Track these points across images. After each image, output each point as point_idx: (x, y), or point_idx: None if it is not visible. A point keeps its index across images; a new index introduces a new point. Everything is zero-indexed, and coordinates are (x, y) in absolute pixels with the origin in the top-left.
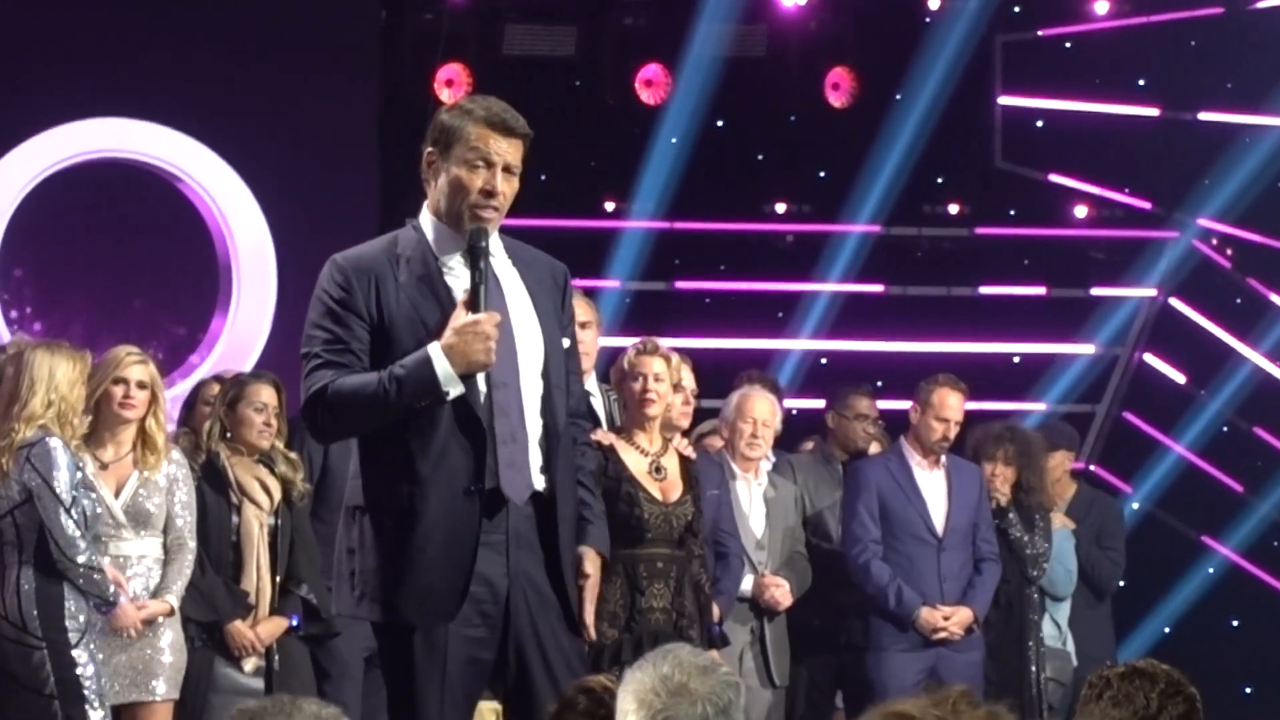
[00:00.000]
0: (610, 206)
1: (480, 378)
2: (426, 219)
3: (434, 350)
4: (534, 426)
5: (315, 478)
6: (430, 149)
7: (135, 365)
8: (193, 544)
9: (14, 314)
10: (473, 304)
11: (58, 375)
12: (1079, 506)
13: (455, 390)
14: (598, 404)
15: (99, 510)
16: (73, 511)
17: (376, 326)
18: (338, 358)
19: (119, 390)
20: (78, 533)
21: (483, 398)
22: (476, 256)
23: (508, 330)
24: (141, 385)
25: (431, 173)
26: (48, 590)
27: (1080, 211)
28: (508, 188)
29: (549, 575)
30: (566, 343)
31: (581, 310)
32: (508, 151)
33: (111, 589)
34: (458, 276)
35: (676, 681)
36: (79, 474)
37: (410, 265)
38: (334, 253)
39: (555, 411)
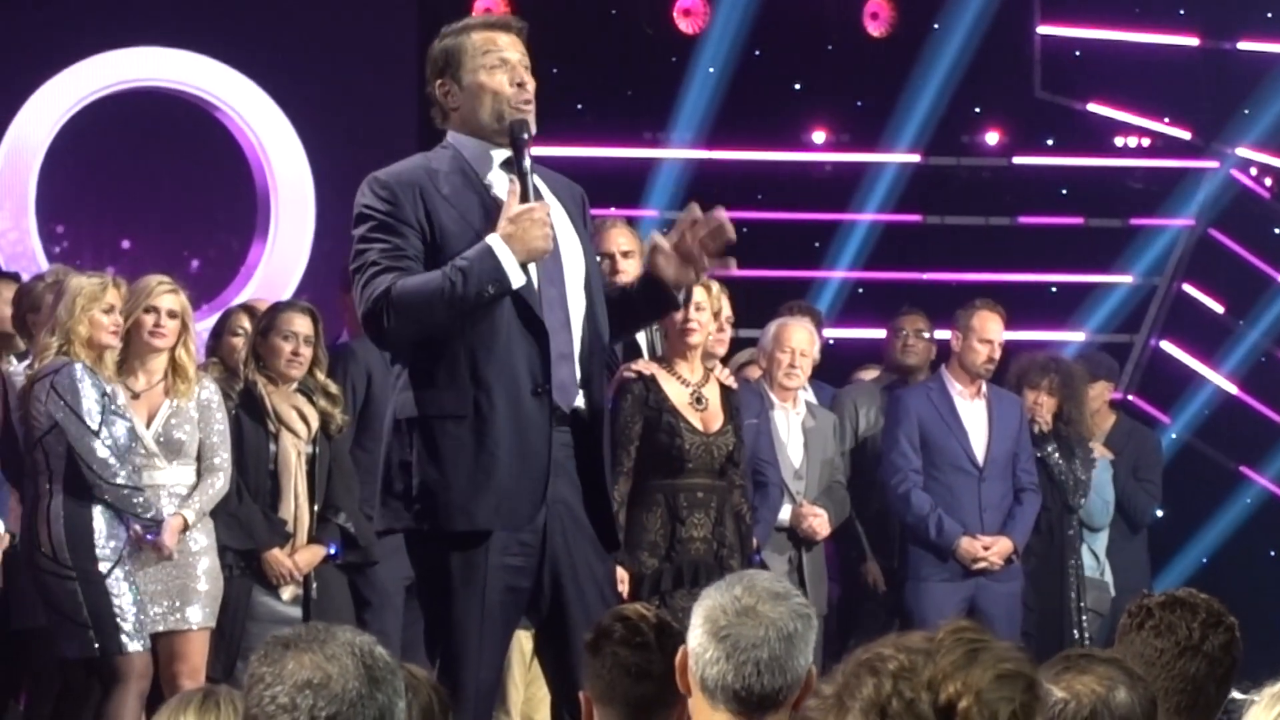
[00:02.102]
0: (648, 136)
1: (534, 279)
2: (457, 138)
3: (494, 239)
4: (577, 337)
5: (358, 406)
6: (440, 79)
7: (166, 294)
8: (225, 468)
9: (58, 244)
10: (523, 194)
11: (60, 303)
12: (1117, 438)
13: (518, 280)
14: (640, 334)
15: (135, 435)
16: (102, 434)
17: (428, 236)
18: (396, 262)
19: (150, 319)
20: (111, 455)
21: (538, 296)
22: (520, 148)
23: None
24: (172, 314)
25: (450, 101)
26: (77, 518)
27: (1119, 141)
28: (531, 81)
29: (587, 498)
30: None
31: (625, 239)
32: (518, 46)
33: (155, 508)
34: (499, 188)
35: (745, 604)
36: (106, 398)
37: (449, 179)
38: (379, 170)
39: (597, 324)
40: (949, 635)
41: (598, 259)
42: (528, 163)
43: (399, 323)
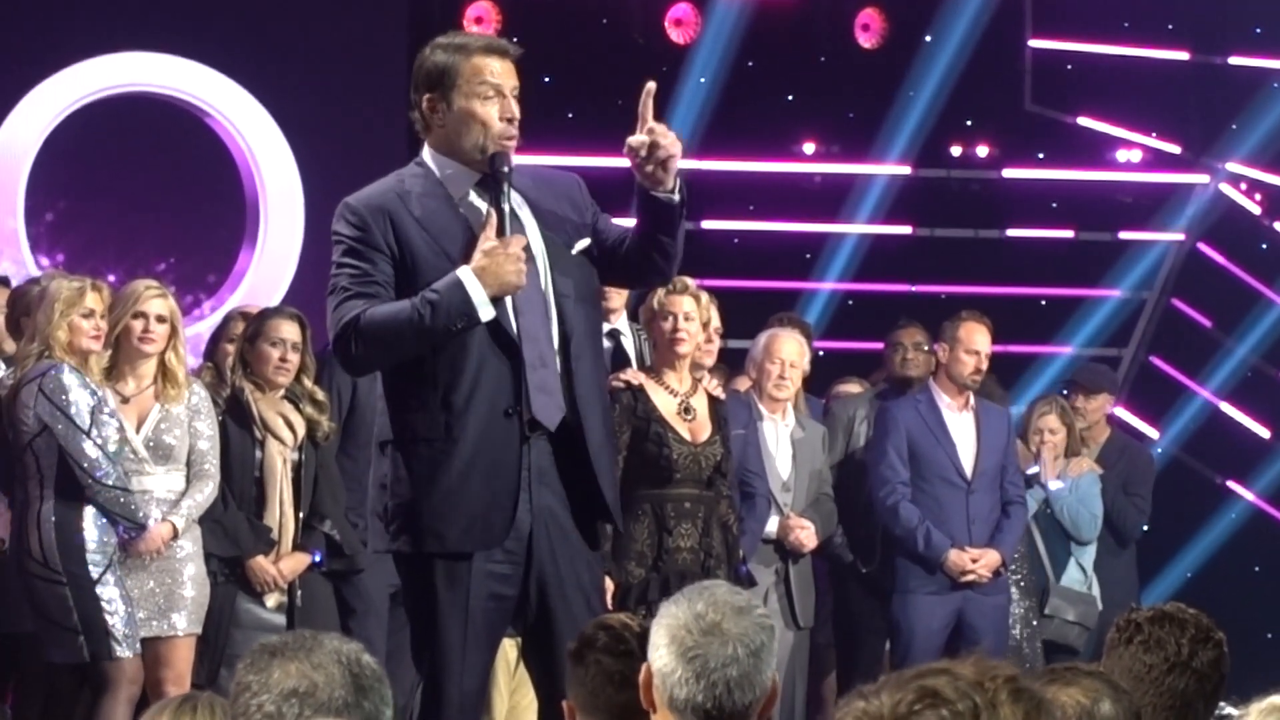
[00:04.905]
0: None
1: (509, 304)
2: (432, 157)
3: (464, 273)
4: (558, 346)
5: (343, 413)
6: (429, 94)
7: (155, 299)
8: (214, 475)
9: (42, 247)
10: (499, 227)
11: (40, 309)
12: (1110, 452)
13: (488, 313)
14: (628, 343)
15: (123, 437)
16: (93, 435)
17: (399, 261)
18: (365, 289)
19: (139, 324)
20: (101, 455)
21: (513, 322)
22: (500, 181)
23: (528, 258)
24: (161, 319)
25: (435, 119)
26: (68, 523)
27: (1109, 155)
28: (519, 113)
29: (575, 500)
30: (584, 242)
31: None
32: (512, 74)
33: (141, 512)
34: (472, 209)
35: (710, 620)
36: (96, 399)
37: (422, 200)
38: (352, 195)
39: (576, 327)
40: (1005, 685)
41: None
42: (505, 197)
43: (366, 351)
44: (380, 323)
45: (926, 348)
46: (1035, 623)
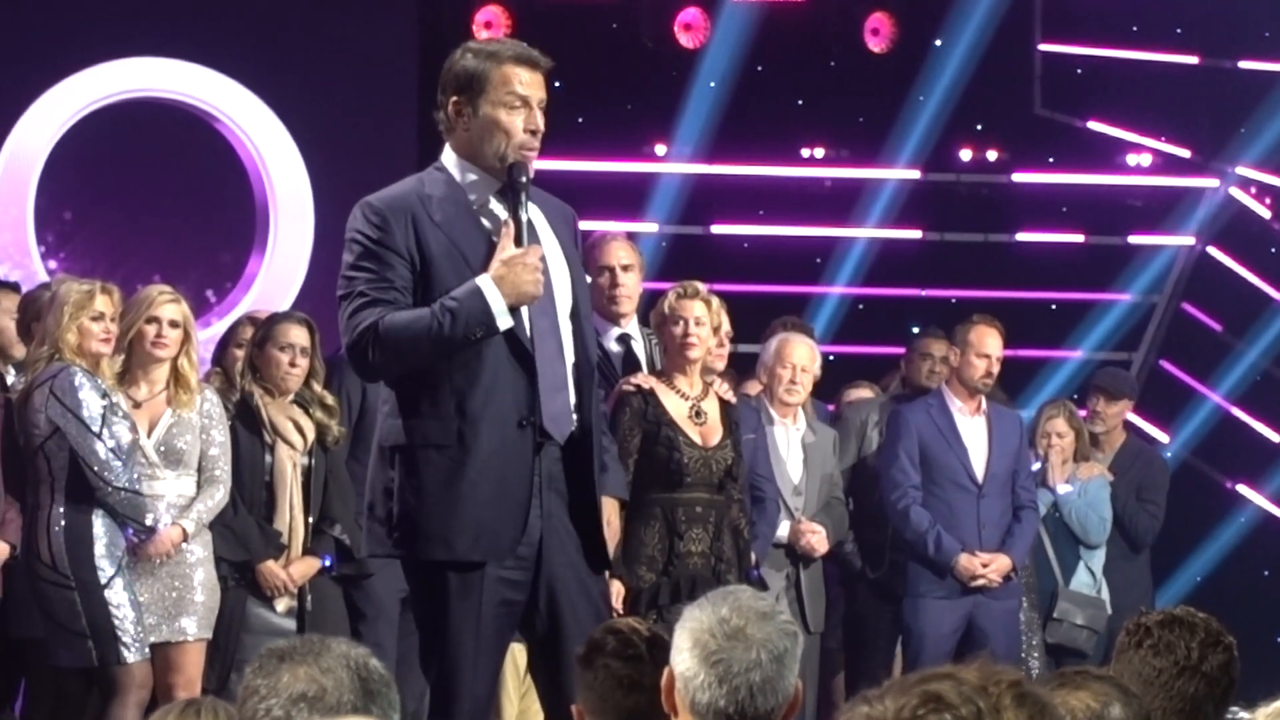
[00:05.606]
0: (648, 150)
1: (524, 314)
2: (453, 162)
3: (484, 282)
4: (569, 363)
5: (353, 418)
6: (456, 97)
7: (168, 304)
8: (226, 481)
9: (51, 252)
10: (516, 237)
11: (50, 313)
12: (1124, 458)
13: (506, 322)
14: (638, 348)
15: (134, 439)
16: (103, 436)
17: (417, 265)
18: (382, 294)
19: (151, 329)
20: (112, 457)
21: (528, 332)
22: (518, 192)
23: (543, 269)
24: (174, 324)
25: (460, 123)
26: (77, 527)
27: (1119, 159)
28: (543, 125)
29: (576, 515)
30: (587, 279)
31: (625, 254)
32: (540, 86)
33: (150, 515)
34: (492, 216)
35: (734, 625)
36: (107, 401)
37: (442, 205)
38: (372, 194)
39: (586, 348)
40: (1008, 690)
41: (600, 270)
42: (523, 207)
43: (384, 358)
44: (399, 330)
45: (951, 360)
46: (1041, 626)
